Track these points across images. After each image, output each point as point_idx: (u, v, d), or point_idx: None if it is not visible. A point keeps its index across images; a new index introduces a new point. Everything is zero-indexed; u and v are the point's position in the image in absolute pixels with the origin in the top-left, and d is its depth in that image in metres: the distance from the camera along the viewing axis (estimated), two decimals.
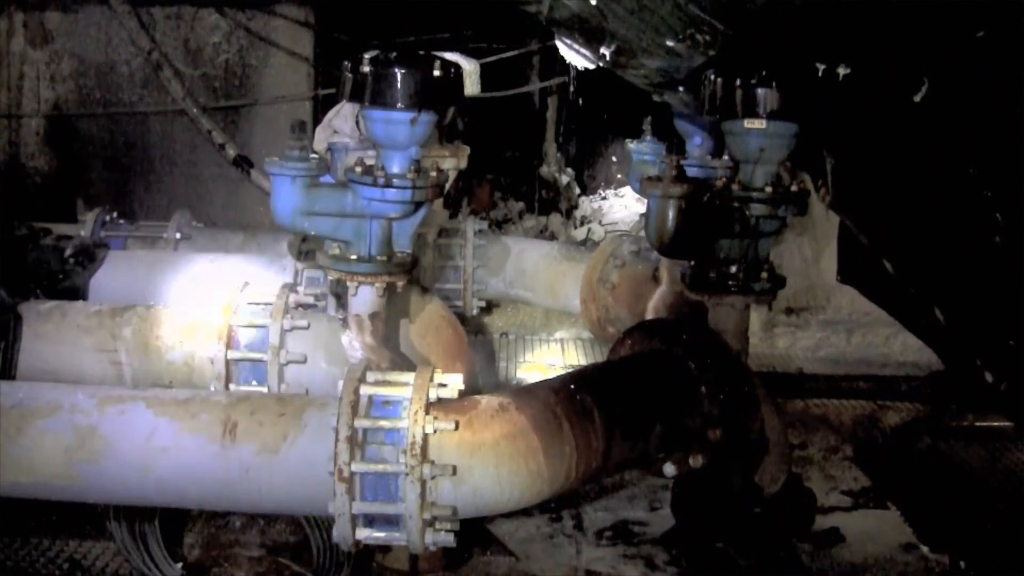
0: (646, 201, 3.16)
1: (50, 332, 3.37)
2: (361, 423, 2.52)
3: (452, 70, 2.95)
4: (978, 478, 4.25)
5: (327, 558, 3.18)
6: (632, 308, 4.27)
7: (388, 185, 2.95)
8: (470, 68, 3.81)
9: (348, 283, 3.08)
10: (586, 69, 3.97)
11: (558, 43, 3.79)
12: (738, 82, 2.95)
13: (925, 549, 3.59)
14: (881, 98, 2.51)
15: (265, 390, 3.23)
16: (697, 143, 4.16)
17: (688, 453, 2.94)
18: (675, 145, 3.13)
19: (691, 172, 3.63)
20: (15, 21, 6.41)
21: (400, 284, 3.11)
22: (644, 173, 4.03)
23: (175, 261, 4.30)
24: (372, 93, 2.88)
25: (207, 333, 3.29)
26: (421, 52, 3.02)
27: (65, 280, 3.87)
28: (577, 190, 7.87)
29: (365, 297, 3.09)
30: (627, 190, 7.88)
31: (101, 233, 4.54)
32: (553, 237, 7.30)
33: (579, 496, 3.85)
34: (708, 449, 2.93)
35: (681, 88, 3.45)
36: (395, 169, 2.98)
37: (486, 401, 2.66)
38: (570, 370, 2.96)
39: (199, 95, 6.38)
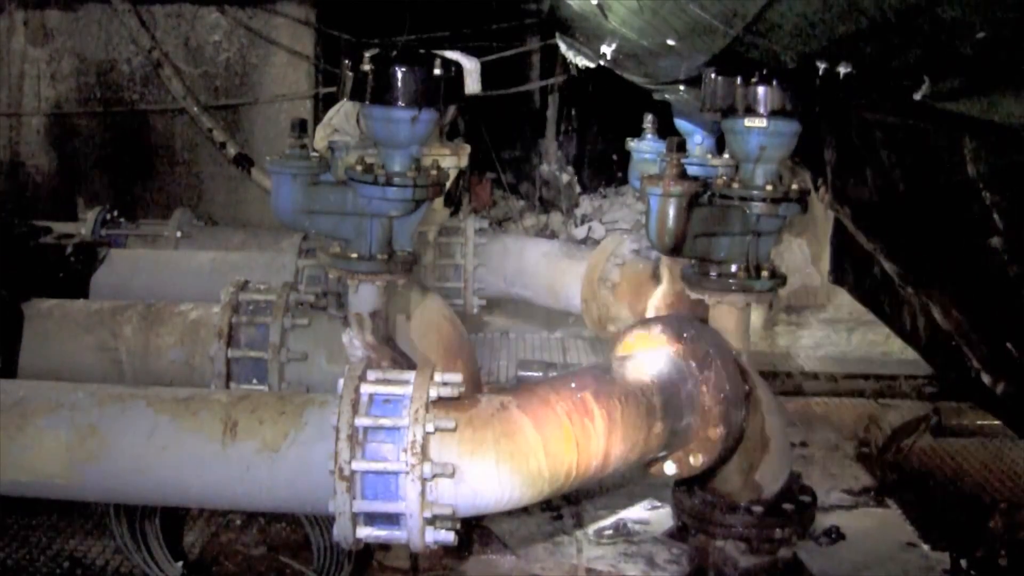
0: (647, 200, 3.16)
1: (51, 330, 3.38)
2: (361, 421, 2.51)
3: (453, 68, 2.95)
4: (978, 477, 4.25)
5: (327, 556, 3.18)
6: (633, 306, 4.28)
7: (389, 183, 2.95)
8: (471, 66, 3.81)
9: (349, 281, 3.08)
10: (586, 68, 3.96)
11: (558, 42, 3.79)
12: (739, 80, 2.94)
13: (926, 547, 3.59)
14: (881, 96, 2.51)
15: (266, 388, 3.24)
16: (698, 141, 4.17)
17: (688, 452, 2.94)
18: (676, 143, 3.12)
19: (692, 171, 3.63)
20: (15, 19, 6.41)
21: (401, 282, 3.11)
22: (644, 171, 4.03)
23: (176, 260, 4.30)
24: (373, 91, 2.88)
25: (208, 331, 3.30)
26: (422, 50, 3.02)
27: (66, 278, 3.87)
28: (577, 188, 7.86)
29: (366, 295, 3.09)
30: (627, 188, 7.88)
31: (102, 232, 4.55)
32: (554, 235, 7.29)
33: (580, 494, 3.85)
34: (708, 448, 2.93)
35: (682, 87, 3.44)
36: (396, 167, 2.98)
37: (486, 400, 2.66)
38: (570, 369, 2.95)
39: (200, 93, 6.38)
